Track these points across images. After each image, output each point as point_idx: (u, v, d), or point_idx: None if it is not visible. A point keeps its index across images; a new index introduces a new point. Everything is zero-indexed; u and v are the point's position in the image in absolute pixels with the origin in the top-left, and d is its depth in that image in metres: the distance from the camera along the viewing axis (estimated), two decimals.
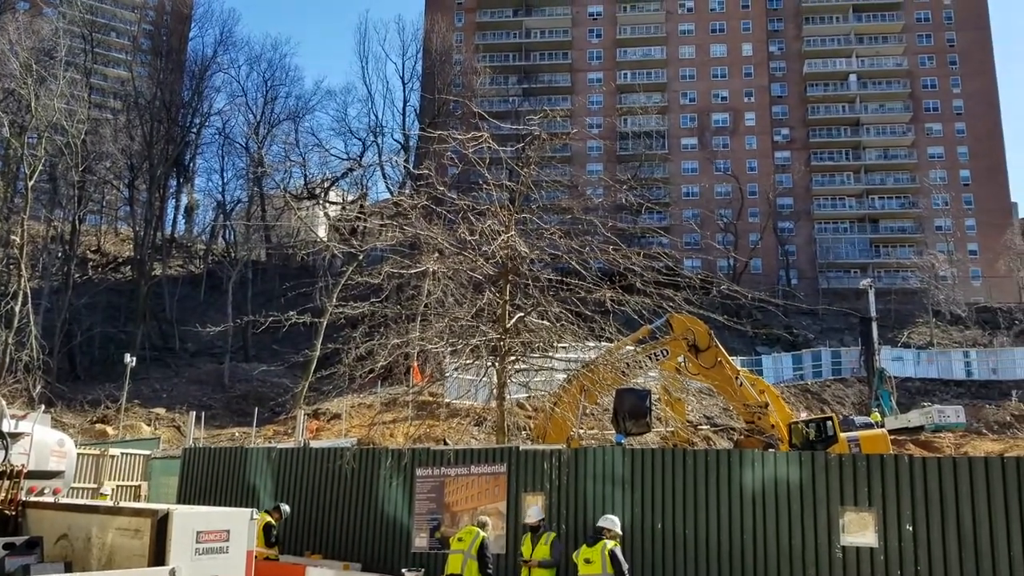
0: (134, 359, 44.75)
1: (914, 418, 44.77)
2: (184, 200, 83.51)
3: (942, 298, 69.20)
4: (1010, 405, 50.04)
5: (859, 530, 11.58)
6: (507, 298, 17.96)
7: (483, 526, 13.02)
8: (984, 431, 45.00)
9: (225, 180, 79.60)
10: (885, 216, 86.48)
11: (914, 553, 11.13)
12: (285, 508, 16.25)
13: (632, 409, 17.07)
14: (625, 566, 11.65)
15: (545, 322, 17.96)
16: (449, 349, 18.42)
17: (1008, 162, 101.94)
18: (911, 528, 11.22)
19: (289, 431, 36.10)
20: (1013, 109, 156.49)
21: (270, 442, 32.65)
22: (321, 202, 75.37)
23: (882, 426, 36.97)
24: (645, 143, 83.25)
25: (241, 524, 8.94)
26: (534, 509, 13.21)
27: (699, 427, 33.27)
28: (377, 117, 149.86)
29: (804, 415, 32.62)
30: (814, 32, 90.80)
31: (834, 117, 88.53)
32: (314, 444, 23.06)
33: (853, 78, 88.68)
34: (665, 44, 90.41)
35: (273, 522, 15.50)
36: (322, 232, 76.84)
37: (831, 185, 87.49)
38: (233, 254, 72.48)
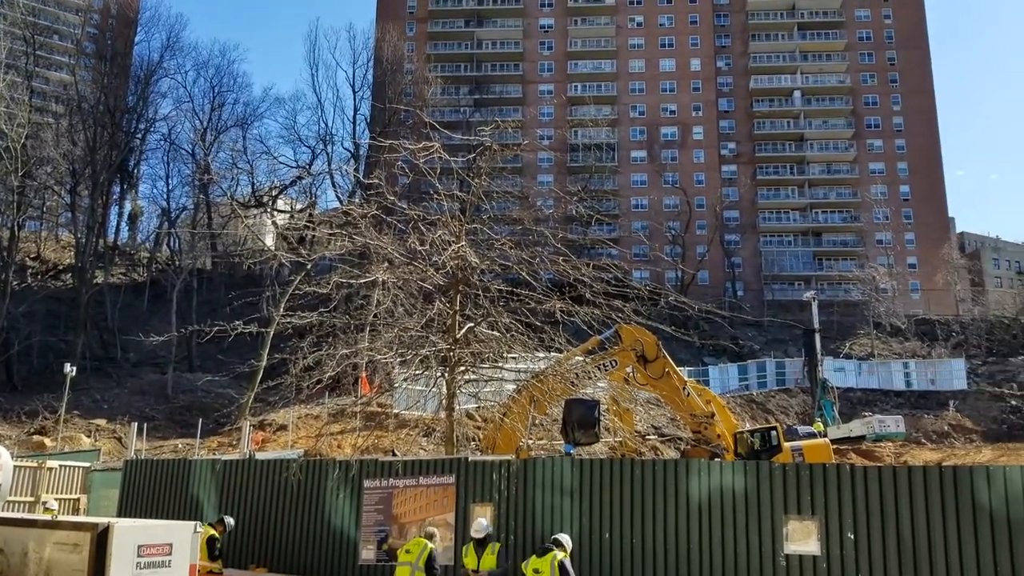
0: (74, 369, 43.61)
1: (856, 428, 45.64)
2: (128, 207, 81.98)
3: (882, 310, 70.86)
4: (947, 415, 51.36)
5: (802, 538, 11.79)
6: (457, 308, 17.94)
7: (431, 537, 12.96)
8: (923, 441, 46.13)
9: (170, 187, 77.95)
10: (828, 230, 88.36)
11: (855, 561, 11.36)
12: (229, 521, 15.99)
13: (581, 419, 17.17)
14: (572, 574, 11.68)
15: (495, 333, 17.97)
16: (398, 359, 18.32)
17: (946, 178, 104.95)
18: (853, 536, 11.46)
19: (234, 443, 35.50)
20: (951, 127, 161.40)
21: (214, 454, 32.06)
22: (269, 210, 74.48)
23: (825, 436, 37.61)
24: (595, 155, 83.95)
25: (184, 537, 8.80)
26: (481, 522, 13.15)
27: (647, 437, 33.62)
28: (327, 125, 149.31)
29: (749, 425, 33.11)
30: (760, 49, 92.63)
31: (779, 132, 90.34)
32: (260, 456, 22.72)
33: (797, 94, 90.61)
34: (615, 58, 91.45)
35: (217, 535, 15.24)
36: (269, 241, 76.01)
37: (776, 199, 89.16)
38: (178, 262, 71.19)
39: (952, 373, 59.01)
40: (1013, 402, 53.56)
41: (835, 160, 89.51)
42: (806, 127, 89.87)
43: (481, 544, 12.85)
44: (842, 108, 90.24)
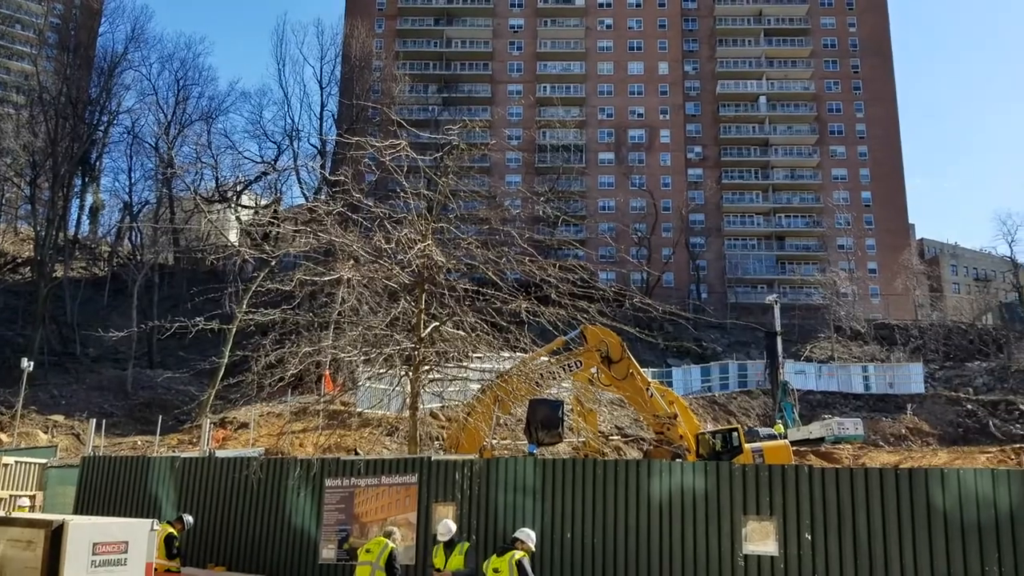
0: (31, 364, 42.82)
1: (815, 430, 46.20)
2: (89, 200, 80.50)
3: (843, 314, 71.87)
4: (905, 418, 52.23)
5: (761, 538, 11.93)
6: (422, 307, 17.90)
7: (391, 536, 12.92)
8: (881, 443, 46.86)
9: (133, 180, 76.65)
10: (791, 234, 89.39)
11: (812, 561, 11.52)
12: (188, 519, 15.83)
13: (545, 419, 17.25)
14: (530, 573, 11.68)
15: (460, 332, 17.95)
16: (362, 358, 18.24)
17: (907, 185, 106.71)
18: (810, 536, 11.61)
19: (194, 440, 35.09)
20: (912, 134, 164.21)
21: (174, 451, 31.66)
22: (233, 206, 73.67)
23: (785, 438, 38.06)
24: (563, 156, 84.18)
25: (141, 535, 8.70)
26: (447, 524, 13.08)
27: (610, 437, 33.77)
28: (293, 121, 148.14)
29: (711, 426, 33.41)
30: (727, 54, 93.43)
31: (744, 137, 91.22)
32: (220, 454, 22.51)
33: (763, 100, 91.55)
34: (584, 59, 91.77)
35: (175, 533, 15.08)
36: (233, 236, 75.15)
37: (741, 203, 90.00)
38: (139, 257, 70.18)
39: (910, 377, 59.99)
40: (969, 406, 54.60)
41: (799, 165, 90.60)
42: (771, 132, 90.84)
43: (449, 545, 12.83)
44: (806, 114, 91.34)
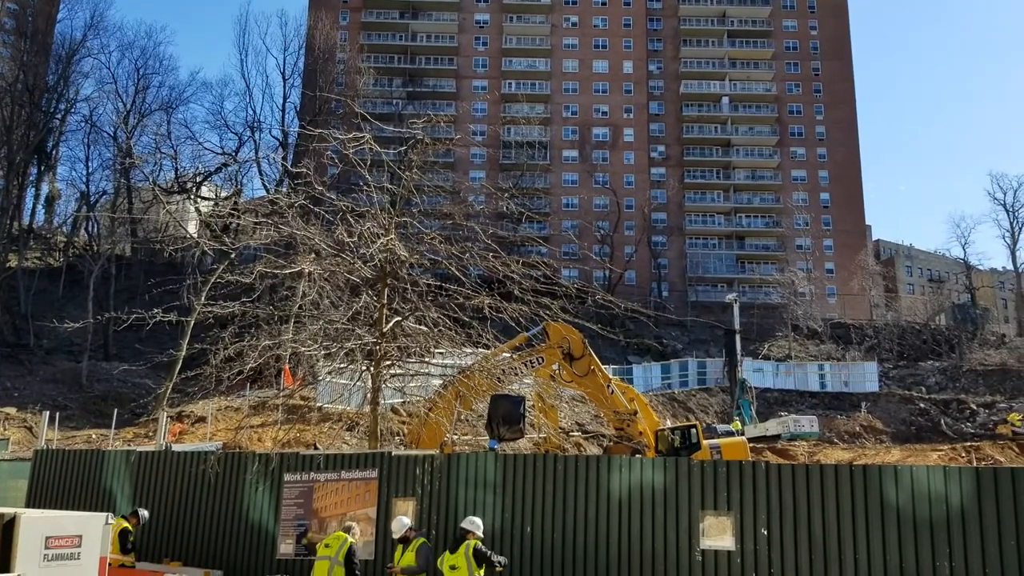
0: None
1: (772, 427, 46.86)
2: (45, 189, 78.83)
3: (800, 313, 72.90)
4: (859, 416, 53.15)
5: (718, 534, 12.06)
6: (384, 302, 17.81)
7: (350, 531, 12.84)
8: (835, 440, 47.63)
9: (90, 170, 75.07)
10: (751, 234, 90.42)
11: (768, 556, 11.67)
12: (143, 513, 15.61)
13: (506, 415, 17.28)
14: (490, 553, 11.69)
15: (422, 327, 17.89)
16: (323, 352, 18.11)
17: (864, 187, 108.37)
18: (766, 532, 11.76)
19: (150, 434, 34.61)
20: (870, 137, 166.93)
21: (129, 445, 31.20)
22: (192, 197, 72.60)
23: (742, 434, 38.57)
24: (527, 153, 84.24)
25: (94, 529, 8.55)
26: (401, 520, 12.96)
27: (571, 433, 33.94)
28: (255, 112, 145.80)
29: (671, 423, 33.69)
30: (691, 54, 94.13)
31: (707, 137, 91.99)
32: (177, 448, 22.24)
33: (725, 100, 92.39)
34: (550, 56, 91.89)
35: (130, 528, 14.86)
36: (192, 228, 74.14)
37: (702, 202, 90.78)
38: (96, 247, 68.88)
39: (865, 376, 61.06)
40: (921, 405, 55.71)
41: (760, 166, 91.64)
42: (733, 133, 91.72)
43: (404, 542, 12.78)
44: (768, 116, 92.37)
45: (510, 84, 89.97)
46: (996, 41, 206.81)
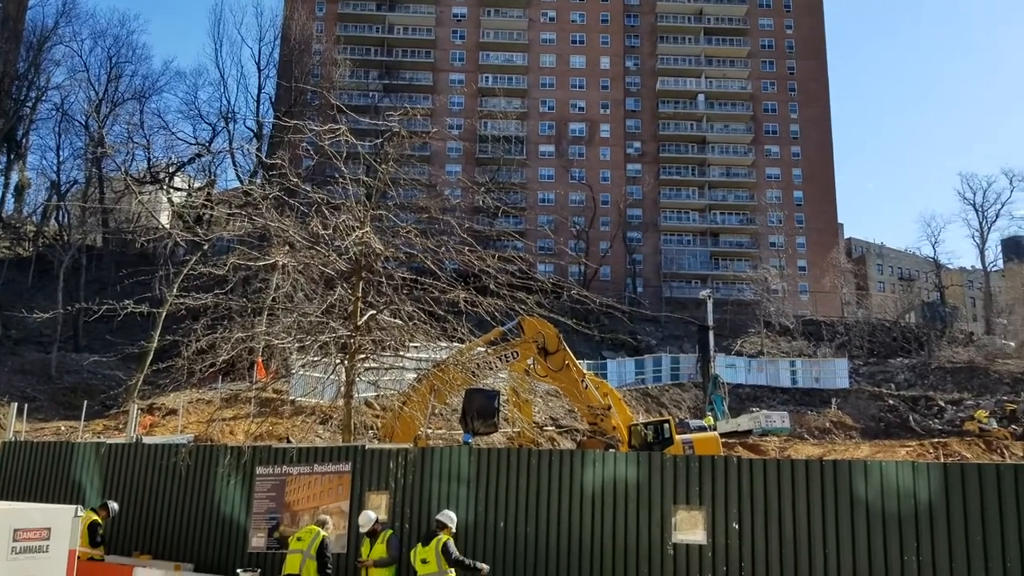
0: None
1: (744, 422, 47.21)
2: (14, 178, 77.50)
3: (773, 310, 73.50)
4: (830, 412, 53.71)
5: (690, 528, 12.15)
6: (359, 295, 17.73)
7: (323, 525, 12.81)
8: (806, 436, 48.10)
9: (61, 159, 73.92)
10: (725, 231, 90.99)
11: (739, 550, 11.78)
12: (113, 506, 15.47)
13: (480, 409, 17.28)
14: (456, 555, 11.72)
15: (397, 321, 17.83)
16: (296, 345, 18.00)
17: (837, 185, 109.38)
18: (737, 526, 11.87)
19: (121, 426, 34.23)
20: (844, 136, 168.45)
21: (99, 437, 30.85)
22: (165, 187, 71.86)
23: (714, 429, 38.82)
24: (504, 147, 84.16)
25: (63, 522, 8.46)
26: (368, 515, 12.95)
27: (545, 428, 33.99)
28: (229, 103, 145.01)
29: (644, 418, 33.87)
30: (667, 51, 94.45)
31: (682, 134, 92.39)
32: (147, 440, 22.03)
33: (701, 98, 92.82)
34: (527, 51, 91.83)
35: (99, 521, 14.72)
36: (164, 219, 73.37)
37: (677, 199, 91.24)
38: (66, 237, 67.92)
39: (835, 372, 61.65)
40: (891, 401, 56.39)
41: (734, 164, 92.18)
42: (708, 130, 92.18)
43: (372, 535, 12.78)
44: (743, 113, 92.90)
45: (487, 78, 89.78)
46: (967, 42, 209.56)
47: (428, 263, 18.25)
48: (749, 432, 45.78)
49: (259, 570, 13.94)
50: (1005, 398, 56.81)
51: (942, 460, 34.87)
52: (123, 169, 69.67)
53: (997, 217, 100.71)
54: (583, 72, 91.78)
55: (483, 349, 21.46)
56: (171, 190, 72.39)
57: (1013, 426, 49.16)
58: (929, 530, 10.85)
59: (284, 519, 14.93)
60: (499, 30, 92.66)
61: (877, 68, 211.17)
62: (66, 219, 72.88)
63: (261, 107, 77.27)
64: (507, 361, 22.15)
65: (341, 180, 18.74)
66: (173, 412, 35.82)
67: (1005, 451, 40.03)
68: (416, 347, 18.86)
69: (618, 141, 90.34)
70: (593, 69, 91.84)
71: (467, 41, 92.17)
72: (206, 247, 39.97)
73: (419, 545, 11.97)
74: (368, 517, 12.84)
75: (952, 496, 10.85)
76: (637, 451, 21.58)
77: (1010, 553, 10.38)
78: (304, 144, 23.49)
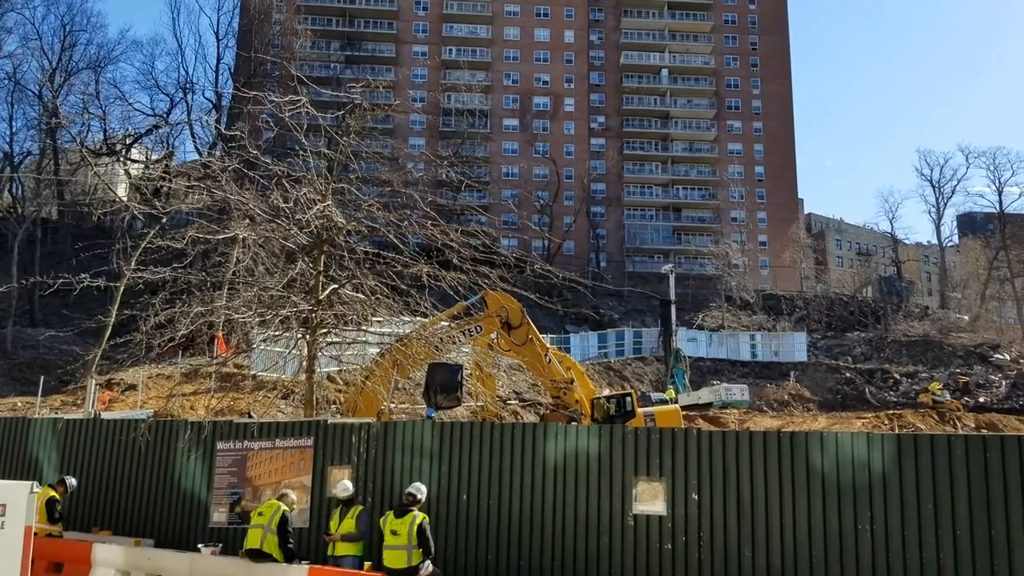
0: None
1: (704, 395, 47.79)
2: None
3: (734, 285, 74.35)
4: (788, 385, 54.59)
5: (650, 499, 12.30)
6: (321, 269, 17.60)
7: (285, 499, 12.79)
8: (765, 408, 48.86)
9: (14, 130, 71.99)
10: (688, 206, 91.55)
11: (698, 520, 11.96)
12: (71, 482, 15.29)
13: (444, 383, 17.31)
14: (429, 538, 11.78)
15: (360, 295, 17.72)
16: (257, 319, 17.84)
17: (798, 161, 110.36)
18: (696, 497, 12.05)
19: (79, 402, 33.77)
20: (805, 112, 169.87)
21: (57, 413, 30.42)
22: (122, 159, 70.48)
23: (676, 402, 39.21)
24: (468, 121, 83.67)
25: (19, 498, 8.34)
26: (346, 484, 13.07)
27: (508, 402, 34.14)
28: (187, 73, 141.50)
29: (607, 391, 34.15)
30: (631, 25, 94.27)
31: (646, 109, 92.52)
32: (106, 416, 21.76)
33: (665, 73, 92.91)
34: (491, 23, 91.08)
35: (57, 496, 14.55)
36: (121, 191, 72.00)
37: (641, 174, 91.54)
38: (20, 210, 66.45)
39: (794, 346, 62.62)
40: (847, 374, 57.45)
41: (697, 139, 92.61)
42: (672, 105, 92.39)
43: (347, 505, 12.83)
44: (706, 89, 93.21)
45: (451, 50, 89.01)
46: (927, 19, 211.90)
47: (391, 237, 18.14)
48: (710, 405, 46.35)
49: (220, 545, 13.89)
50: (958, 371, 58.18)
51: (896, 431, 35.64)
52: (78, 140, 68.24)
53: (953, 193, 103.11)
54: (547, 45, 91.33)
55: (446, 323, 21.46)
56: (128, 162, 71.04)
57: (966, 398, 50.40)
58: (882, 499, 11.10)
59: (246, 494, 14.88)
60: (463, 2, 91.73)
61: (839, 45, 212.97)
62: (20, 191, 71.29)
63: (220, 78, 75.93)
64: (470, 335, 22.18)
65: (302, 153, 18.51)
66: (132, 387, 35.42)
67: (957, 422, 40.96)
68: (379, 321, 18.79)
69: (582, 115, 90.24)
70: (557, 42, 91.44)
71: (430, 13, 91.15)
72: (164, 220, 39.35)
73: (391, 515, 11.96)
74: (346, 486, 12.97)
75: (905, 466, 11.09)
76: (599, 424, 21.78)
77: (959, 521, 10.66)
78: (264, 116, 23.14)
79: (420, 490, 12.31)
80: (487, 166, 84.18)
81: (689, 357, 53.81)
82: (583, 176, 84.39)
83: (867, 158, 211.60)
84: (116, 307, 34.60)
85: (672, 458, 12.32)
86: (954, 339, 67.80)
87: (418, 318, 19.08)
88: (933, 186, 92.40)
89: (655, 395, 44.87)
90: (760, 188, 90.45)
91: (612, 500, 12.50)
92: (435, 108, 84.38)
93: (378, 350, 19.83)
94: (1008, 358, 62.61)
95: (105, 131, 69.79)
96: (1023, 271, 79.33)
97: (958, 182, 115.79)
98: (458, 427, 14.19)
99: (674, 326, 54.43)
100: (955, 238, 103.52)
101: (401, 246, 18.09)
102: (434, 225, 18.06)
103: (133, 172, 69.47)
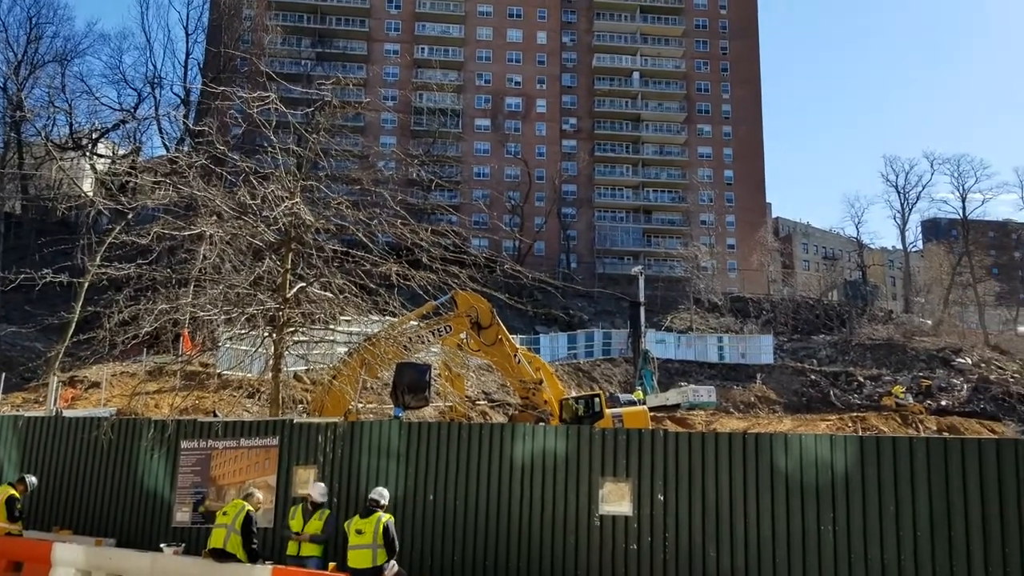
0: None
1: (672, 397, 48.09)
2: None
3: (702, 287, 74.89)
4: (754, 387, 55.05)
5: (617, 500, 12.36)
6: (289, 267, 17.47)
7: (251, 498, 12.68)
8: (731, 410, 49.21)
9: None
10: (658, 208, 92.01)
11: (663, 521, 12.03)
12: (31, 480, 15.04)
13: (412, 383, 17.23)
14: (393, 537, 11.75)
15: (328, 294, 17.62)
16: (223, 317, 17.65)
17: (766, 165, 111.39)
18: (662, 497, 12.12)
19: (40, 399, 33.23)
20: (773, 116, 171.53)
21: (18, 410, 29.92)
22: (88, 154, 69.46)
23: (644, 403, 39.43)
24: (439, 120, 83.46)
25: None
26: (321, 486, 13.01)
27: (477, 402, 34.13)
28: (155, 67, 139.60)
29: (575, 392, 34.23)
30: (604, 28, 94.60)
31: (617, 111, 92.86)
32: (68, 413, 21.45)
33: (636, 75, 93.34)
34: (464, 23, 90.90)
35: (17, 495, 14.32)
36: (87, 186, 71.03)
37: (611, 176, 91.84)
38: None
39: (761, 348, 63.17)
40: (813, 377, 58.06)
41: (667, 142, 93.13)
42: (643, 108, 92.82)
43: (315, 506, 12.75)
44: (676, 92, 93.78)
45: (423, 49, 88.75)
46: (894, 27, 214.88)
47: (360, 235, 18.04)
48: (677, 406, 46.63)
49: (183, 544, 13.74)
50: (921, 374, 59.05)
51: (860, 434, 36.07)
52: (44, 134, 67.17)
53: (918, 199, 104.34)
54: (520, 46, 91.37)
55: (416, 323, 21.39)
56: (94, 157, 70.04)
57: (928, 401, 51.14)
58: (845, 500, 11.24)
59: (210, 493, 14.73)
60: (436, 1, 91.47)
61: (808, 49, 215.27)
62: None
63: (189, 73, 75.04)
64: (440, 335, 22.14)
65: (271, 149, 18.35)
66: (96, 385, 34.95)
67: (920, 425, 41.58)
68: (347, 320, 18.70)
69: (554, 116, 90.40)
70: (530, 43, 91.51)
71: (403, 11, 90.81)
72: (130, 216, 38.83)
73: (356, 517, 11.95)
74: (323, 489, 12.95)
75: (867, 468, 11.24)
76: (567, 424, 21.82)
77: (920, 522, 10.83)
78: (233, 112, 23.00)
79: (383, 495, 12.26)
80: (458, 166, 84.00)
81: (657, 358, 54.12)
82: (554, 177, 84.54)
83: (834, 163, 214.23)
84: (80, 303, 34.08)
85: (639, 459, 12.38)
86: (917, 343, 68.81)
87: (387, 317, 19.01)
88: (898, 192, 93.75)
89: (624, 396, 45.07)
90: (729, 191, 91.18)
91: (579, 500, 12.53)
92: (406, 107, 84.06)
93: (346, 349, 19.72)
94: (970, 362, 63.67)
95: (71, 125, 68.81)
96: (985, 276, 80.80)
97: (923, 188, 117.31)
98: (426, 427, 14.16)
99: (643, 328, 54.74)
100: (919, 243, 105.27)
101: (370, 245, 18.01)
102: (404, 224, 18.00)
103: (99, 167, 68.52)
